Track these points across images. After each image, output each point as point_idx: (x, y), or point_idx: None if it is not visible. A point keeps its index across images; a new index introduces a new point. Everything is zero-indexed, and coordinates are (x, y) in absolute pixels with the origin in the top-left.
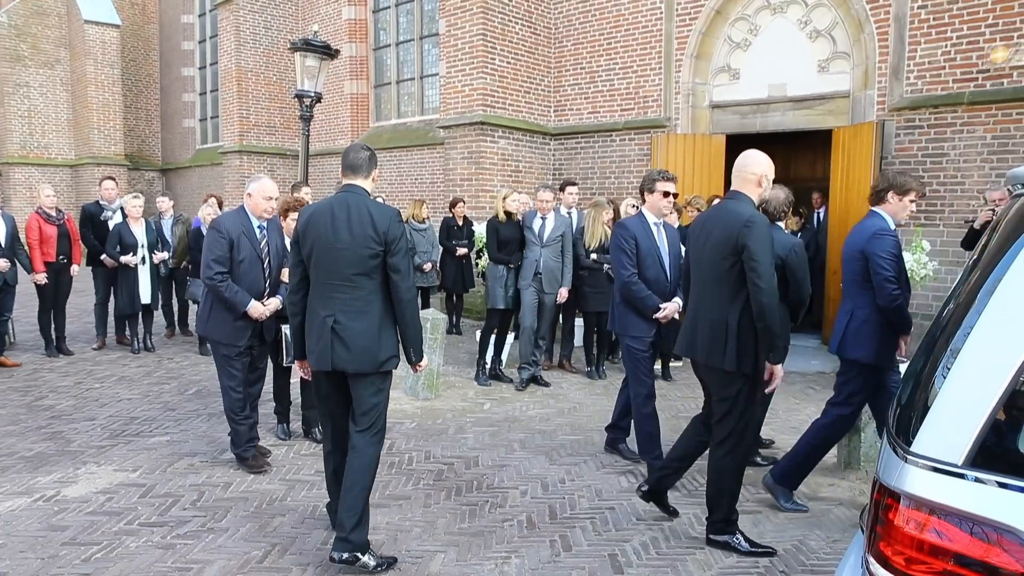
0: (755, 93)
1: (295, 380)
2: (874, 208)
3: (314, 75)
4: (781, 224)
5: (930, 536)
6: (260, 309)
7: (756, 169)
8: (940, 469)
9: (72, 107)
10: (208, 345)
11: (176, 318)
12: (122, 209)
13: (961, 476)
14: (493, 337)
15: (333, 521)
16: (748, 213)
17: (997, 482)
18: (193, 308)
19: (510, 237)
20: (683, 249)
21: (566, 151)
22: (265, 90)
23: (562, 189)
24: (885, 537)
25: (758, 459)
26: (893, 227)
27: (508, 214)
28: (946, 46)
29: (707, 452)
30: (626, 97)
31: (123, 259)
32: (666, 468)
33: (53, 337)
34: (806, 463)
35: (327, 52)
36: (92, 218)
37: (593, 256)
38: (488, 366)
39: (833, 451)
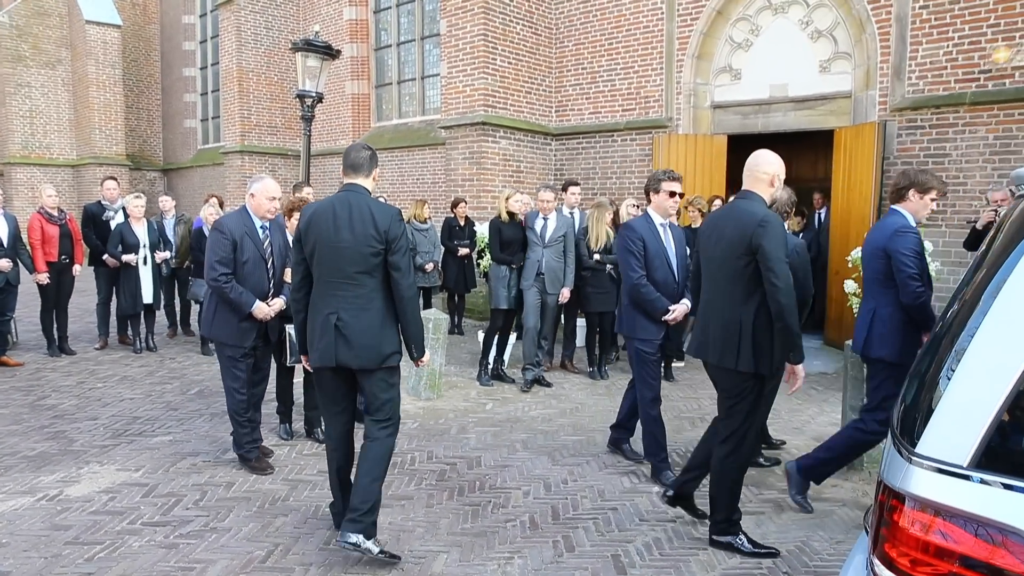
0: (756, 93)
1: (298, 380)
2: (894, 206)
3: (315, 75)
4: (784, 224)
5: (935, 538)
6: (265, 310)
7: (768, 169)
8: (945, 471)
9: (74, 107)
10: (210, 345)
11: (178, 318)
12: (124, 209)
13: (966, 478)
14: (496, 337)
15: (336, 521)
16: (762, 213)
17: (1002, 484)
18: (195, 308)
19: (513, 237)
20: (686, 250)
21: (567, 151)
22: (266, 90)
23: (564, 189)
24: (890, 539)
25: (760, 459)
26: (914, 225)
27: (511, 214)
28: (948, 46)
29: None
30: (627, 97)
31: (124, 258)
32: (688, 473)
33: (55, 337)
34: (836, 464)
35: (328, 52)
36: (94, 218)
37: (596, 256)
38: (490, 366)
39: None
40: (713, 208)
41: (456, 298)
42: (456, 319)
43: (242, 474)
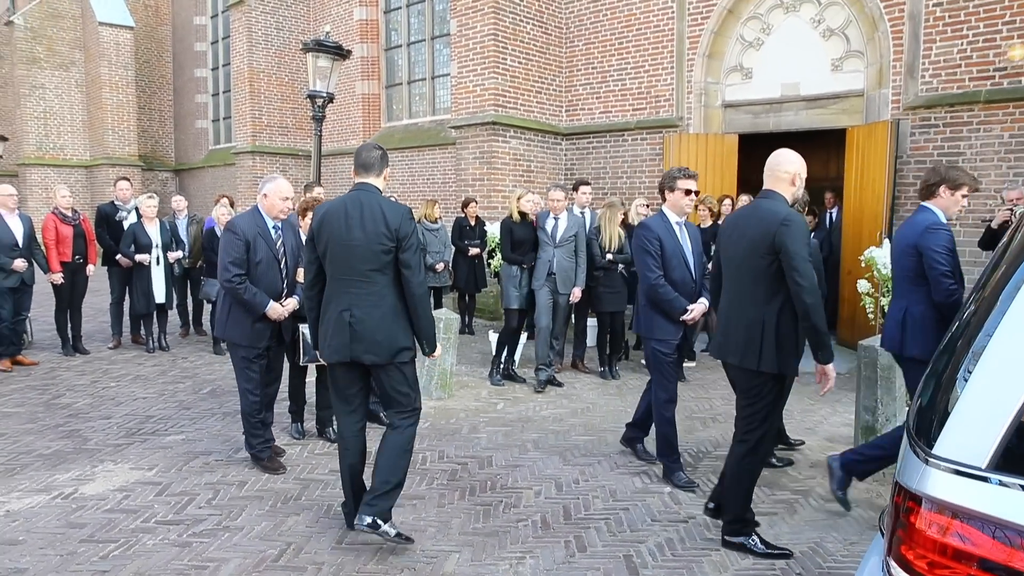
0: (768, 92)
1: (310, 379)
2: (924, 203)
3: (326, 76)
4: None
5: (953, 540)
6: (279, 310)
7: (789, 168)
8: (963, 472)
9: (87, 108)
10: (222, 344)
11: (191, 317)
12: (137, 209)
13: (984, 480)
14: (498, 336)
15: (348, 521)
16: (784, 211)
17: (1021, 485)
18: (207, 307)
19: (524, 237)
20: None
21: (578, 151)
22: (277, 91)
23: (575, 189)
24: (906, 540)
25: (773, 460)
26: (945, 221)
27: (522, 214)
28: (962, 44)
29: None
30: (638, 97)
31: (137, 258)
32: (723, 481)
33: (69, 336)
34: (883, 462)
35: (339, 53)
36: (107, 218)
37: (609, 256)
38: (502, 366)
39: None
40: (723, 208)
41: (467, 298)
42: (467, 319)
43: (254, 473)
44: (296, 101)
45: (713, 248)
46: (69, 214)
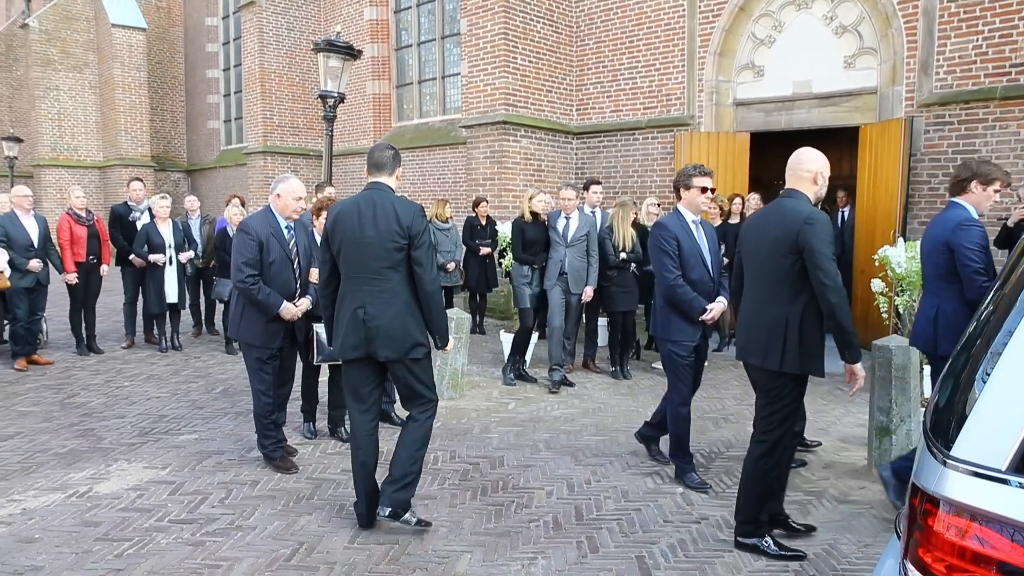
0: (780, 90)
1: (323, 379)
2: (954, 199)
3: (337, 76)
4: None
5: (972, 543)
6: (293, 310)
7: (811, 166)
8: (982, 474)
9: (100, 110)
10: (234, 344)
11: (203, 317)
12: (150, 210)
13: (1004, 482)
14: (514, 336)
15: (360, 521)
16: (807, 210)
17: None
18: (219, 307)
19: (536, 237)
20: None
21: (589, 150)
22: (288, 91)
23: (586, 188)
24: (924, 543)
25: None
26: (977, 217)
27: (534, 214)
28: (977, 40)
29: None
30: (649, 95)
31: (152, 258)
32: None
33: (84, 336)
34: None
35: (350, 53)
36: (121, 219)
37: (623, 254)
38: (515, 366)
39: (863, 454)
40: (733, 206)
41: (478, 297)
42: (478, 319)
43: (267, 472)
44: (307, 101)
45: (724, 247)
46: (83, 215)
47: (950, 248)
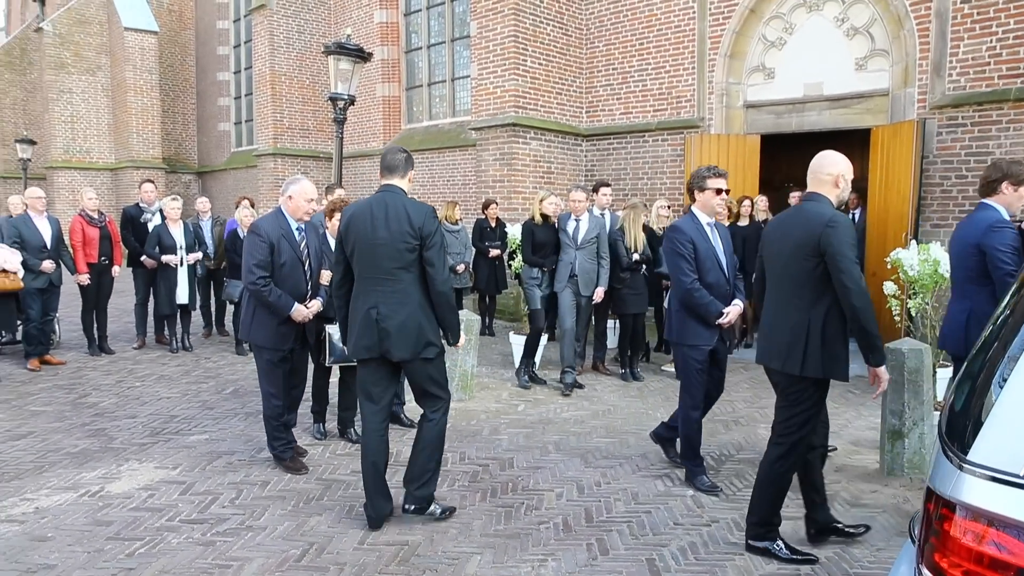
0: (790, 92)
1: (333, 380)
2: (985, 200)
3: (347, 78)
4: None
5: (989, 549)
6: (304, 312)
7: (832, 169)
8: (999, 479)
9: (112, 112)
10: (244, 345)
11: (213, 318)
12: (161, 211)
13: (1022, 487)
14: (526, 339)
15: (370, 523)
16: (829, 213)
17: None
18: (230, 308)
19: (546, 240)
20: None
21: (598, 152)
22: (298, 93)
23: (595, 190)
24: (940, 548)
25: None
26: (1008, 218)
27: (544, 216)
28: (991, 41)
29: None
30: (659, 97)
31: (164, 258)
32: (811, 505)
33: (95, 336)
34: None
35: (360, 55)
36: (132, 220)
37: (636, 255)
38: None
39: (875, 457)
40: (743, 208)
41: (487, 299)
42: (487, 320)
43: (277, 473)
44: (317, 103)
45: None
46: (96, 216)
47: (981, 250)
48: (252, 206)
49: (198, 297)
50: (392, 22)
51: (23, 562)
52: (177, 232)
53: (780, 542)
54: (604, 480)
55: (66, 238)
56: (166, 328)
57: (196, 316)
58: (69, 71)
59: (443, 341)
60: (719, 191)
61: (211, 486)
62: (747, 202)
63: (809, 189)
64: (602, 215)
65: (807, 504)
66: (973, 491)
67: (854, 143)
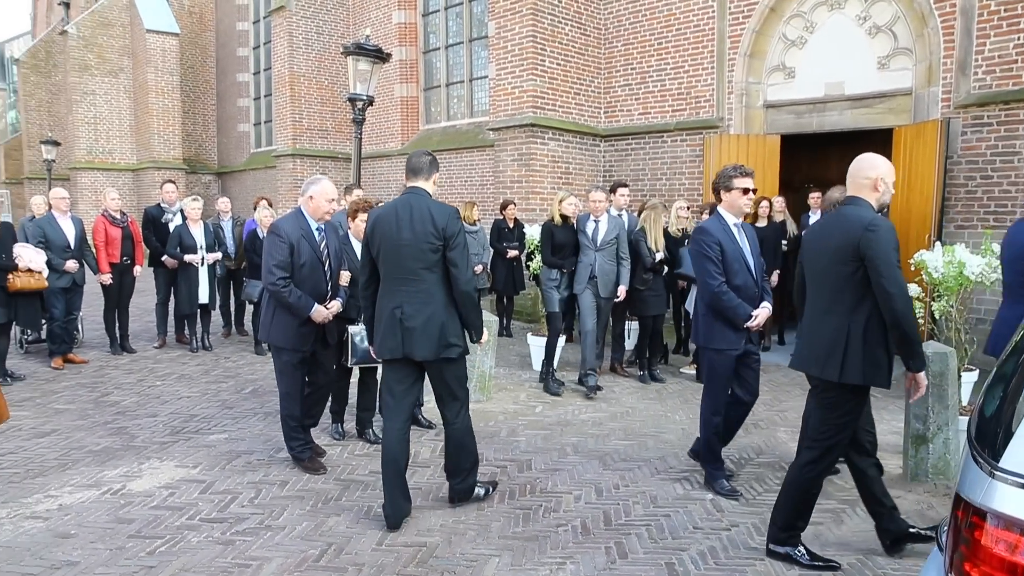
0: (811, 92)
1: (353, 380)
2: None
3: (366, 79)
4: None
5: (1022, 559)
6: (324, 313)
7: (870, 173)
8: None
9: (134, 113)
10: (263, 345)
11: (233, 318)
12: (182, 211)
13: None
14: (546, 342)
15: (388, 523)
16: (869, 217)
17: None
18: (249, 308)
19: (565, 241)
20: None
21: (617, 153)
22: (317, 94)
23: (613, 191)
24: (970, 557)
25: None
26: None
27: (564, 217)
28: (1019, 38)
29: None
30: (677, 97)
31: (187, 258)
32: (877, 515)
33: (117, 335)
34: None
35: (379, 56)
36: (154, 220)
37: (660, 255)
38: (541, 370)
39: (899, 462)
40: (760, 209)
41: (505, 300)
42: (505, 321)
43: (295, 473)
44: (336, 104)
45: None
46: (118, 216)
47: None
48: (270, 206)
49: (218, 297)
50: (410, 23)
51: (47, 558)
52: (197, 232)
53: (802, 548)
54: (622, 483)
55: (89, 238)
56: (186, 327)
57: (216, 316)
58: (92, 73)
59: (467, 340)
60: (746, 191)
61: (230, 485)
62: (765, 203)
63: (848, 193)
64: (619, 215)
65: (874, 516)
66: (1005, 499)
67: (875, 143)
